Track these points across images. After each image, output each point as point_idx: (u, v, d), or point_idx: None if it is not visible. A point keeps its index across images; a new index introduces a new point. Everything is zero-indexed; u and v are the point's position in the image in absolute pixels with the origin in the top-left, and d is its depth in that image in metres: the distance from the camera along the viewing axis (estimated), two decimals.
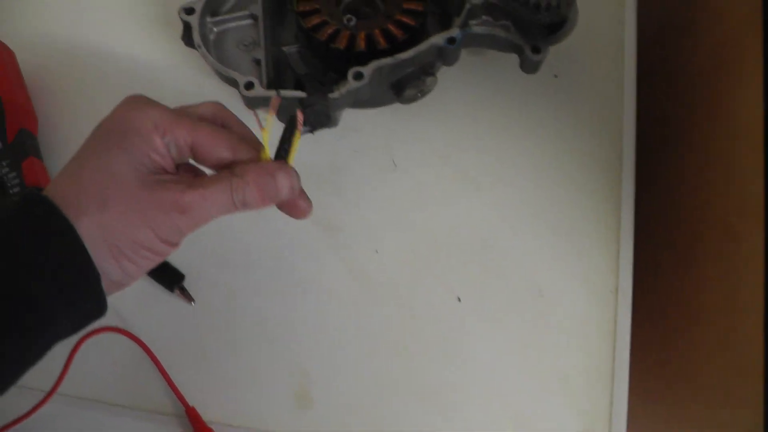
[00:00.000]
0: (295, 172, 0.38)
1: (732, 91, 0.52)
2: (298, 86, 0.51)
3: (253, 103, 0.49)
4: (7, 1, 0.61)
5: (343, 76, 0.51)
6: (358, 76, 0.49)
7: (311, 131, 0.48)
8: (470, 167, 0.54)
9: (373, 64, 0.49)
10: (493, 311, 0.50)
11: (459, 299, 0.50)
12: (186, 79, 0.57)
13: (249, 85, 0.48)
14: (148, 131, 0.35)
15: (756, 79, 0.46)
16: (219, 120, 0.39)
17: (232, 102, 0.53)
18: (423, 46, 0.50)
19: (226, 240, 0.52)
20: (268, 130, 0.38)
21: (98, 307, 0.35)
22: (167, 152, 0.36)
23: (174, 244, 0.36)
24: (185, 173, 0.39)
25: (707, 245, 0.54)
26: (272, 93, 0.48)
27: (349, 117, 0.55)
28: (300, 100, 0.48)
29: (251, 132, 0.40)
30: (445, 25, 0.53)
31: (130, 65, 0.58)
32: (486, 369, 0.48)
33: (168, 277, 0.50)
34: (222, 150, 0.37)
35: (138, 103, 0.36)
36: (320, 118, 0.48)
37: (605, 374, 0.48)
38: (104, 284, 0.34)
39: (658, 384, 0.61)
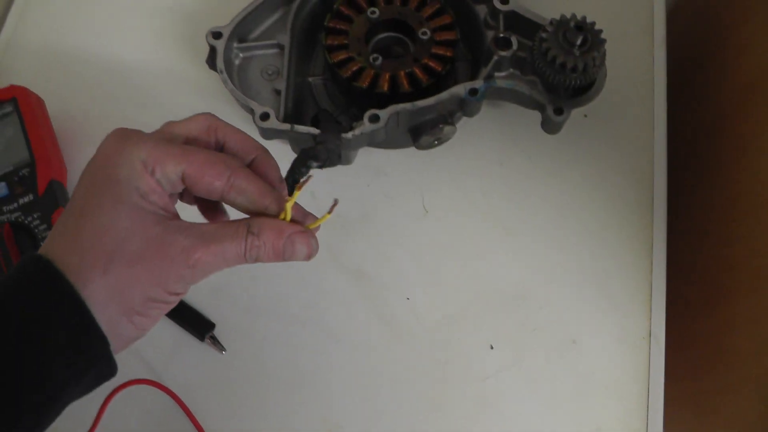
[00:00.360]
0: (315, 238, 0.36)
1: (760, 127, 0.51)
2: (315, 120, 0.51)
3: (267, 135, 0.49)
4: (33, 50, 0.62)
5: (363, 113, 0.51)
6: (374, 119, 0.48)
7: (321, 167, 0.48)
8: (501, 213, 0.54)
9: (390, 109, 0.48)
10: (526, 360, 0.49)
11: (492, 347, 0.49)
12: (208, 104, 0.57)
13: (264, 116, 0.48)
14: (138, 174, 0.33)
15: None
16: (213, 133, 0.37)
17: (250, 130, 0.54)
18: (444, 96, 0.49)
19: (256, 288, 0.52)
20: (293, 199, 0.35)
21: (109, 370, 0.33)
22: (162, 189, 0.34)
23: (182, 294, 0.35)
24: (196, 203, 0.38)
25: (737, 283, 0.52)
26: (287, 126, 0.48)
27: (379, 160, 0.55)
28: (313, 136, 0.48)
29: (250, 139, 0.38)
30: (475, 73, 0.53)
31: (157, 105, 0.58)
32: (519, 420, 0.47)
33: (199, 326, 0.51)
34: (215, 180, 0.34)
35: (121, 141, 0.34)
36: (332, 156, 0.48)
37: (640, 425, 0.47)
38: (117, 341, 0.33)
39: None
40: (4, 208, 0.52)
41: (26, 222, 0.52)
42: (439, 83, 0.51)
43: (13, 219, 0.52)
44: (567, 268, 0.51)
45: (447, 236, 0.53)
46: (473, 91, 0.49)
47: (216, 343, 0.50)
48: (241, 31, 0.52)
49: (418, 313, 0.50)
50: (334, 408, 0.48)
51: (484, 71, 0.50)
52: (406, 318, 0.50)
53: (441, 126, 0.50)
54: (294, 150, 0.53)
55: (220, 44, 0.51)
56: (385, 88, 0.51)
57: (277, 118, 0.49)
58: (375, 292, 0.51)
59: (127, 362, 0.42)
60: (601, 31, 0.47)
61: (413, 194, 0.55)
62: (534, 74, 0.50)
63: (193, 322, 0.51)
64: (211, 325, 0.51)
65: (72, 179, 0.56)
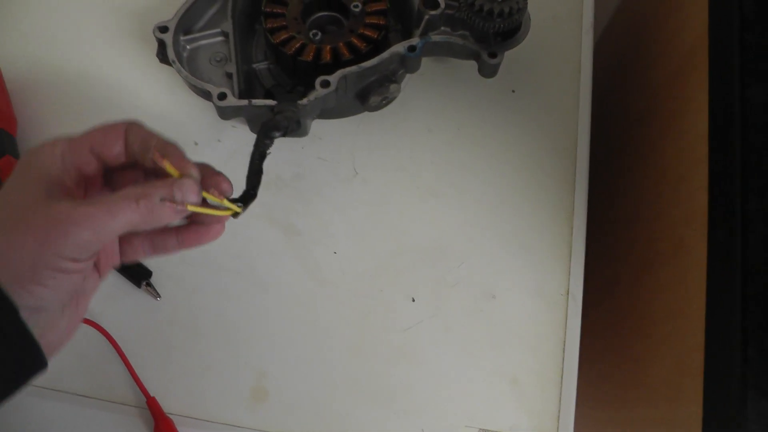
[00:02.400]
0: (199, 186, 0.36)
1: (681, 112, 0.55)
2: (268, 95, 0.54)
3: (226, 114, 0.52)
4: None
5: (310, 89, 0.54)
6: (325, 84, 0.51)
7: (283, 135, 0.50)
8: (427, 176, 0.56)
9: (339, 73, 0.51)
10: (446, 313, 0.51)
11: (413, 300, 0.52)
12: (160, 92, 0.60)
13: (222, 96, 0.51)
14: (45, 151, 0.34)
15: (702, 98, 0.48)
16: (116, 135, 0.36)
17: (204, 115, 0.57)
18: (386, 54, 0.52)
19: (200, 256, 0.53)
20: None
21: (32, 353, 0.32)
22: (66, 166, 0.35)
23: (83, 260, 0.33)
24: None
25: (659, 255, 0.55)
26: (244, 102, 0.51)
27: (315, 126, 0.58)
28: (271, 108, 0.50)
29: (146, 132, 0.37)
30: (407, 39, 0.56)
31: (108, 77, 0.60)
32: (438, 370, 0.49)
33: (136, 273, 0.52)
34: (118, 141, 0.36)
35: (39, 147, 0.35)
36: (291, 125, 0.50)
37: (555, 377, 0.49)
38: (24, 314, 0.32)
39: (607, 387, 0.62)
40: None
41: None
42: (377, 50, 0.54)
43: None
44: (489, 227, 0.54)
45: (375, 196, 0.56)
46: (411, 48, 0.52)
47: (152, 290, 0.51)
48: (186, 23, 0.54)
49: (344, 267, 0.53)
50: (263, 355, 0.50)
51: (418, 31, 0.54)
52: (332, 271, 0.53)
53: (387, 84, 0.54)
54: (252, 130, 0.55)
55: (167, 37, 0.53)
56: (329, 58, 0.54)
57: (234, 95, 0.51)
58: (304, 246, 0.53)
59: None
60: None
61: (345, 157, 0.57)
62: (463, 28, 0.54)
63: (131, 269, 0.52)
64: (148, 273, 0.52)
65: (24, 132, 0.57)
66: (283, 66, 0.56)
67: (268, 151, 0.49)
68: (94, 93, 0.60)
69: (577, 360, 0.50)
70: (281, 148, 0.56)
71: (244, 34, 0.56)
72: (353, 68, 0.52)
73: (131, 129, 0.36)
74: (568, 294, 0.52)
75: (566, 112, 0.58)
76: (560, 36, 0.60)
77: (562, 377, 0.49)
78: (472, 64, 0.55)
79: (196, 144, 0.59)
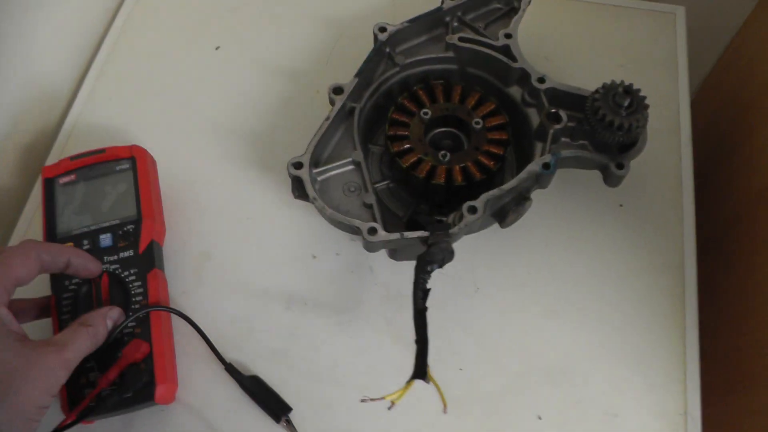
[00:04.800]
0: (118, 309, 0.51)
1: None
2: (411, 223, 0.53)
3: (374, 247, 0.51)
4: (148, 110, 0.66)
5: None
6: (473, 210, 0.51)
7: (440, 267, 0.50)
8: (547, 293, 0.57)
9: (484, 197, 0.52)
10: (571, 431, 0.52)
11: (540, 417, 0.52)
12: (276, 205, 0.60)
13: (372, 231, 0.50)
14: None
15: None
16: (31, 259, 0.48)
17: (321, 227, 0.56)
18: (523, 175, 0.53)
19: (333, 374, 0.53)
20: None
21: None
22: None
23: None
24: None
25: None
26: (396, 236, 0.50)
27: None
28: (424, 239, 0.50)
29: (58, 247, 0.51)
30: (523, 152, 0.57)
31: (234, 196, 0.62)
32: None
33: (276, 407, 0.51)
34: (33, 267, 0.47)
35: None
36: (447, 256, 0.50)
37: None
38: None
39: None
40: (106, 258, 0.54)
41: (123, 276, 0.53)
42: (501, 168, 0.55)
43: (111, 270, 0.54)
44: (606, 345, 0.55)
45: (496, 313, 0.56)
46: (546, 165, 0.54)
47: (291, 427, 0.51)
48: (315, 157, 0.53)
49: (471, 384, 0.53)
50: None
51: (540, 145, 0.55)
52: (459, 388, 0.53)
53: (523, 202, 0.54)
54: (391, 256, 0.54)
55: (303, 173, 0.51)
56: (460, 179, 0.54)
57: (380, 227, 0.50)
58: (429, 363, 0.52)
59: None
60: (645, 97, 0.53)
61: (465, 272, 0.58)
62: (583, 139, 0.56)
63: (271, 403, 0.52)
64: (287, 408, 0.51)
65: (168, 241, 0.59)
66: (409, 187, 0.56)
67: (428, 287, 0.49)
68: (224, 208, 0.61)
69: None
70: (403, 263, 0.56)
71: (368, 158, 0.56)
72: (495, 192, 0.52)
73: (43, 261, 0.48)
74: (686, 414, 0.53)
75: (672, 226, 0.60)
76: (661, 149, 0.63)
77: None
78: (579, 178, 0.57)
79: (314, 257, 0.57)
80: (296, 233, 0.58)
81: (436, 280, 0.55)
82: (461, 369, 0.54)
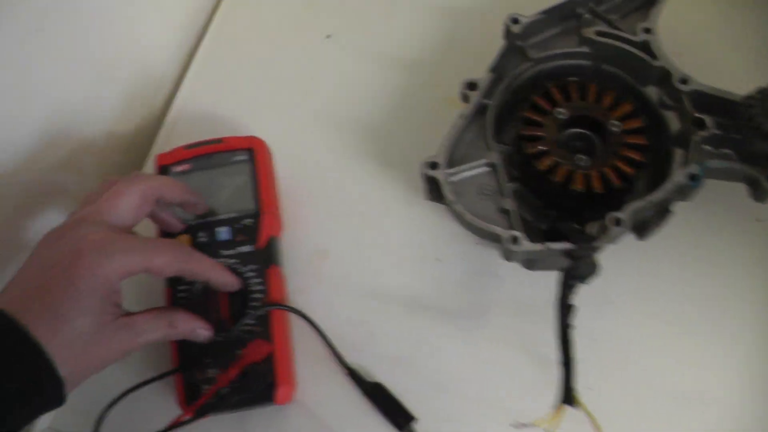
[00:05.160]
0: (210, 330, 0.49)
1: None
2: (551, 233, 0.50)
3: (513, 257, 0.48)
4: (256, 99, 0.64)
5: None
6: (617, 222, 0.48)
7: (584, 282, 0.47)
8: (681, 309, 0.54)
9: (630, 209, 0.49)
10: None
11: None
12: (400, 203, 0.58)
13: (514, 239, 0.47)
14: (117, 287, 0.44)
15: None
16: (149, 201, 0.48)
17: (446, 229, 0.55)
18: (669, 186, 0.50)
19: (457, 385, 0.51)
20: None
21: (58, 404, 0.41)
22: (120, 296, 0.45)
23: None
24: None
25: None
26: (540, 246, 0.47)
27: None
28: (566, 252, 0.47)
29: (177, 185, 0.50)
30: (657, 159, 0.54)
31: (358, 192, 0.59)
32: None
33: (398, 416, 0.50)
34: (166, 271, 0.46)
35: (99, 255, 0.42)
36: (591, 269, 0.47)
37: None
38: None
39: None
40: (223, 252, 0.52)
41: (241, 272, 0.51)
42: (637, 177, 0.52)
43: (229, 264, 0.51)
44: (745, 372, 0.51)
45: (628, 327, 0.53)
46: (693, 176, 0.50)
47: None
48: (451, 157, 0.51)
49: (600, 404, 0.48)
50: None
51: (680, 153, 0.52)
52: (588, 406, 0.49)
53: (666, 216, 0.51)
54: (526, 266, 0.52)
55: (439, 174, 0.49)
56: (599, 187, 0.51)
57: (521, 236, 0.48)
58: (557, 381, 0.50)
59: None
60: None
61: (596, 283, 0.52)
62: (728, 147, 0.52)
63: (394, 411, 0.50)
64: (410, 417, 0.50)
65: (286, 236, 0.56)
66: (539, 192, 0.53)
67: (572, 304, 0.46)
68: (342, 203, 0.59)
69: None
70: (535, 274, 0.53)
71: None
72: (641, 203, 0.49)
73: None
74: None
75: None
76: None
77: None
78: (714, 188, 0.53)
79: (438, 260, 0.55)
80: (418, 234, 0.56)
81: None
82: (590, 389, 0.50)
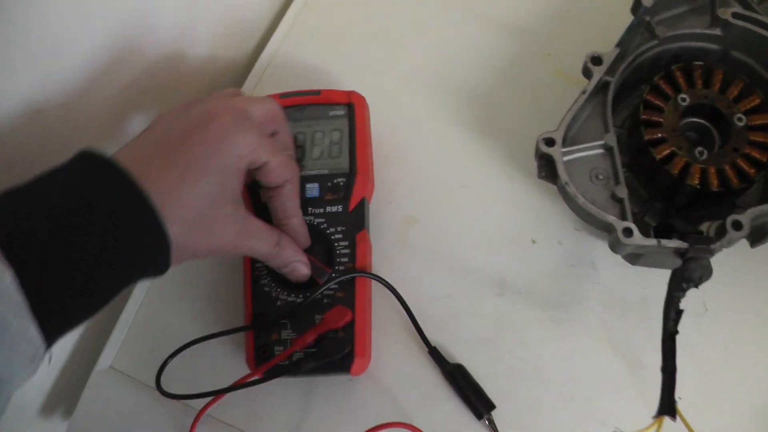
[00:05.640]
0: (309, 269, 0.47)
1: None
2: (660, 230, 0.47)
3: (622, 250, 0.46)
4: (353, 53, 0.61)
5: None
6: (737, 226, 0.45)
7: (696, 286, 0.44)
8: None
9: (751, 212, 0.45)
10: None
11: None
12: (498, 178, 0.55)
13: (628, 232, 0.44)
14: (242, 168, 0.40)
15: None
16: (272, 124, 0.44)
17: (545, 210, 0.52)
18: None
19: (541, 375, 0.49)
20: None
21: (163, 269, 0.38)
22: (246, 178, 0.41)
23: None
24: None
25: None
26: (653, 242, 0.44)
27: None
28: (680, 252, 0.44)
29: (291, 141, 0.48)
30: None
31: (451, 158, 0.56)
32: None
33: (479, 404, 0.48)
34: (278, 179, 0.43)
35: (237, 125, 0.39)
36: (704, 273, 0.45)
37: None
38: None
39: None
40: (310, 210, 0.50)
41: (328, 232, 0.49)
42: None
43: (315, 224, 0.49)
44: None
45: (726, 338, 0.50)
46: None
47: (492, 426, 0.47)
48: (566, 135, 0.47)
49: (691, 417, 0.46)
50: None
51: None
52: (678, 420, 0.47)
53: None
54: (629, 260, 0.49)
55: (555, 152, 0.46)
56: (716, 185, 0.48)
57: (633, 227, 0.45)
58: (648, 384, 0.47)
59: None
60: None
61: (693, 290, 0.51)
62: None
63: (474, 399, 0.48)
64: (491, 406, 0.48)
65: (374, 198, 0.54)
66: (649, 182, 0.50)
67: (681, 308, 0.44)
68: (436, 170, 0.56)
69: None
70: (622, 264, 0.50)
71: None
72: (765, 207, 0.46)
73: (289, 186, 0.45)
74: None
75: None
76: None
77: None
78: None
79: (534, 242, 0.53)
80: (515, 211, 0.53)
81: (662, 289, 0.48)
82: (680, 398, 0.46)
